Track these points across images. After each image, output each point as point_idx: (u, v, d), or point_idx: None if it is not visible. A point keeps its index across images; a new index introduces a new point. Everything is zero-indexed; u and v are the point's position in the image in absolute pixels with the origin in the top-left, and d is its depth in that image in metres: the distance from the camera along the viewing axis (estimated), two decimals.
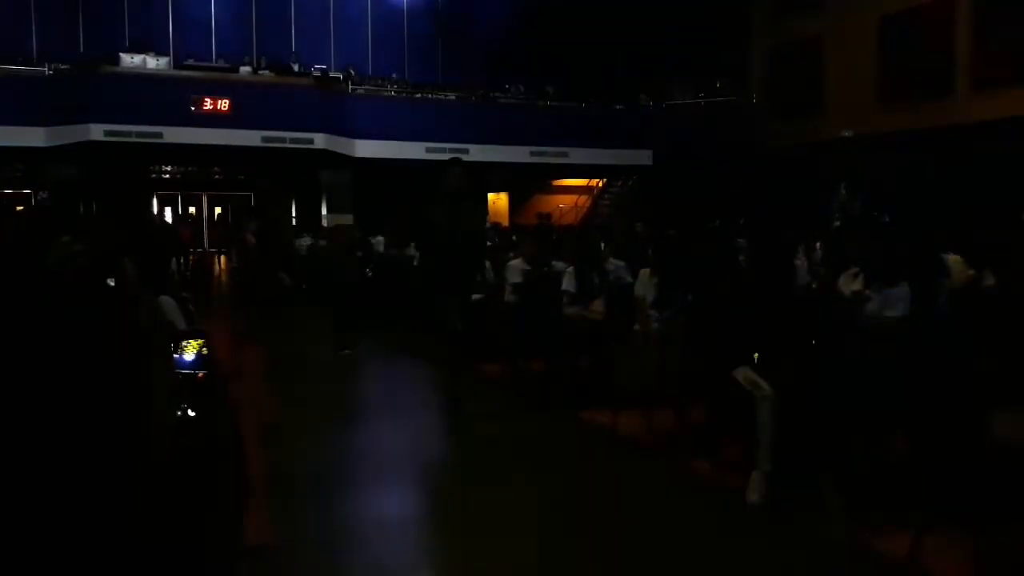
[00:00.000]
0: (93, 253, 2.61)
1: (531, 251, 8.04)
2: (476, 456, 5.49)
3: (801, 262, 8.30)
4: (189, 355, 3.28)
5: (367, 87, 21.88)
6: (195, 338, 3.54)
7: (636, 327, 5.73)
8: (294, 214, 23.94)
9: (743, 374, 4.24)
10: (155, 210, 25.45)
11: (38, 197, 21.25)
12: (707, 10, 21.80)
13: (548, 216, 24.21)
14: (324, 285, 10.84)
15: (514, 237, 13.99)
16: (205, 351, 3.27)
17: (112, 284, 2.68)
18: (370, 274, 9.95)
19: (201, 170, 25.01)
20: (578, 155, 22.68)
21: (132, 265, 3.12)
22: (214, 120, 18.51)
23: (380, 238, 15.50)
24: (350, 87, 21.22)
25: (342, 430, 6.15)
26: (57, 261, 2.55)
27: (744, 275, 5.26)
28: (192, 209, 26.24)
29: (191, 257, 19.92)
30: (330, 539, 3.97)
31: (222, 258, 23.59)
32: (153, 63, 19.16)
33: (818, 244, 11.19)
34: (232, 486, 3.25)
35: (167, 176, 25.53)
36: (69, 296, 2.62)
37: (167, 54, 20.42)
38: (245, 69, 20.23)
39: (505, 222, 23.94)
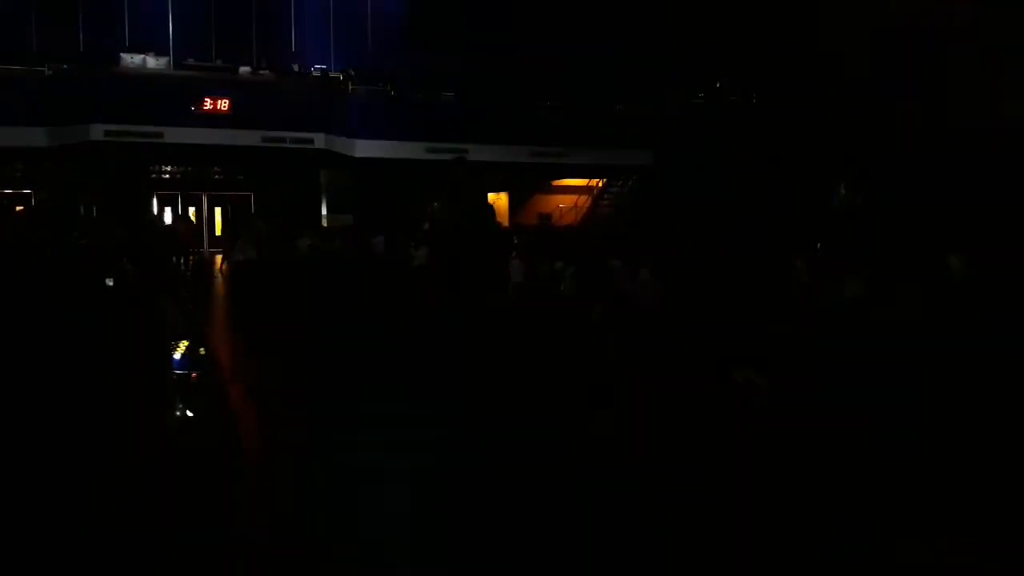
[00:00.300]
0: (97, 250, 2.61)
1: (525, 263, 8.03)
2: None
3: (801, 263, 8.29)
4: (181, 354, 3.28)
5: (366, 87, 21.84)
6: (195, 340, 3.54)
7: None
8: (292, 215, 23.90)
9: (740, 372, 4.26)
10: (155, 210, 25.42)
11: (38, 197, 21.27)
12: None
13: (548, 217, 24.21)
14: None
15: (515, 238, 13.98)
16: (202, 351, 3.26)
17: (111, 284, 2.67)
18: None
19: (201, 170, 24.97)
20: (577, 155, 22.68)
21: (132, 265, 3.11)
22: (214, 120, 18.54)
23: (380, 238, 15.48)
24: (350, 87, 21.20)
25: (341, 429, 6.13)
26: (58, 257, 2.56)
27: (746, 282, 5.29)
28: (192, 209, 26.21)
29: (191, 257, 19.86)
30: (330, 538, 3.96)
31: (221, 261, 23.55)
32: (153, 63, 19.16)
33: (818, 244, 11.22)
34: (231, 482, 3.24)
35: (167, 176, 25.49)
36: (71, 295, 2.62)
37: (167, 54, 20.41)
38: (245, 69, 20.20)
39: (505, 222, 23.93)
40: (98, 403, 2.39)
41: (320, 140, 19.36)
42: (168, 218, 24.61)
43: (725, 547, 3.82)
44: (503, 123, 21.83)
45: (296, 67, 21.19)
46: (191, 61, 20.35)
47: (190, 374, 3.30)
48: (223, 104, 18.63)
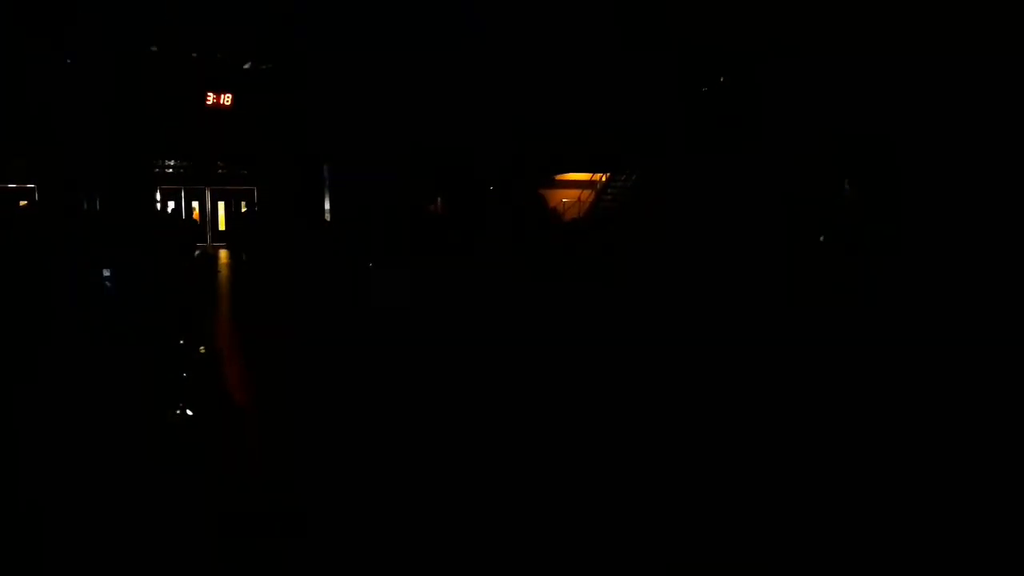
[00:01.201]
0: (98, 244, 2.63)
1: None
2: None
3: None
4: (181, 352, 3.29)
5: None
6: (196, 337, 3.54)
7: None
8: None
9: None
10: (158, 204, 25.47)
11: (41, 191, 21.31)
12: None
13: (553, 211, 24.14)
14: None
15: None
16: (203, 349, 3.27)
17: (108, 276, 2.69)
18: None
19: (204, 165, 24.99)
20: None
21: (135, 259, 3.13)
22: None
23: None
24: None
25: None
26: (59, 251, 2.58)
27: None
28: (195, 204, 26.26)
29: (195, 251, 19.91)
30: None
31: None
32: None
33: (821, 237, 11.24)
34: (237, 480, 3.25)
35: (170, 170, 25.53)
36: (71, 289, 2.64)
37: None
38: None
39: None
40: (97, 400, 2.41)
41: None
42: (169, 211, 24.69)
43: None
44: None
45: None
46: None
47: (190, 372, 3.30)
48: None
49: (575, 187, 26.36)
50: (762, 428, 5.32)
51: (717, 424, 5.40)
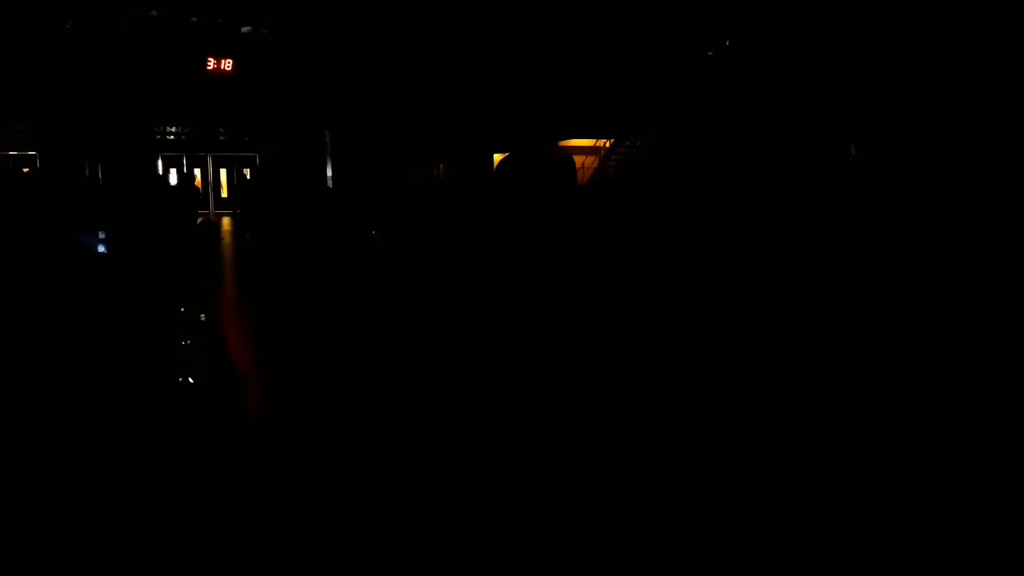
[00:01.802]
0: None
1: None
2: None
3: None
4: (181, 320, 3.27)
5: None
6: (197, 305, 3.52)
7: None
8: None
9: None
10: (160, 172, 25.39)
11: (43, 159, 21.23)
12: None
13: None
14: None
15: None
16: (203, 317, 3.26)
17: (103, 243, 2.67)
18: None
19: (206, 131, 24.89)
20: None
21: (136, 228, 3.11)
22: None
23: None
24: None
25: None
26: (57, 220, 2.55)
27: None
28: (197, 171, 26.19)
29: (198, 218, 19.85)
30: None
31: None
32: None
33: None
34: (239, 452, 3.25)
35: (172, 137, 25.43)
36: (68, 259, 2.61)
37: None
38: None
39: None
40: (95, 368, 2.39)
41: None
42: (173, 179, 24.62)
43: None
44: None
45: None
46: None
47: (191, 339, 3.28)
48: None
49: (579, 153, 26.20)
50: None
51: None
